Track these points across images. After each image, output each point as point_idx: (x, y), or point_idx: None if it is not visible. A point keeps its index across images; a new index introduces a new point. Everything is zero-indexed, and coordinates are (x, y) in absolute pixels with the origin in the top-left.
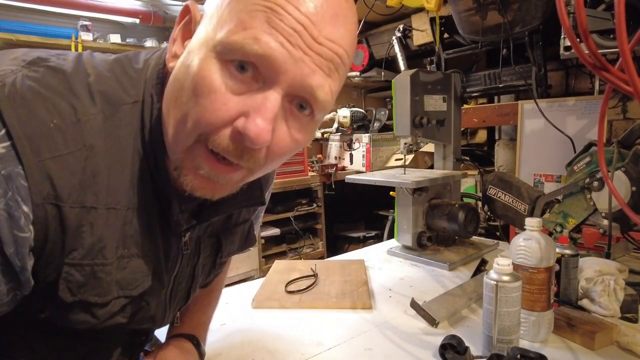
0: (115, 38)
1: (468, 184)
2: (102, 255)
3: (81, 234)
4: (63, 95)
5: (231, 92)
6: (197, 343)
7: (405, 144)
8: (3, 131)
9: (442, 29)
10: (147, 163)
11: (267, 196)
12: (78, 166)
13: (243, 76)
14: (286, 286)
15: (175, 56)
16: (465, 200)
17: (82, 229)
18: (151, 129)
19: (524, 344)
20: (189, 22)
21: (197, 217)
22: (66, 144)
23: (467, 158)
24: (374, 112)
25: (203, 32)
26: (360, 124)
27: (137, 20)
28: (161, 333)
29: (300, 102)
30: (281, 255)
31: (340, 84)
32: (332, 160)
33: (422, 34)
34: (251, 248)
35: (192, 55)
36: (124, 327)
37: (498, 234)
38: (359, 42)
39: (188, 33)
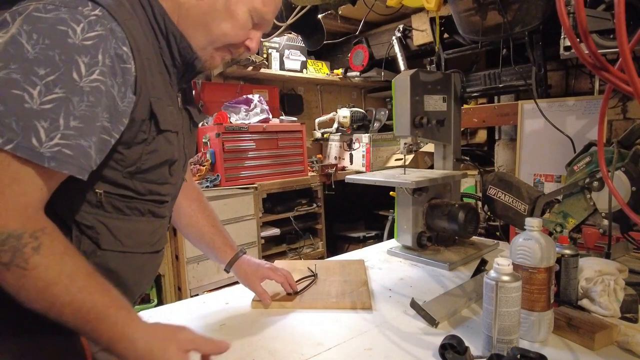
0: None
1: (468, 184)
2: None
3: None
4: None
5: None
6: (245, 252)
7: (405, 144)
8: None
9: (442, 29)
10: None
11: None
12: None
13: (254, 24)
14: None
15: None
16: (465, 200)
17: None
18: (166, 31)
19: (524, 344)
20: None
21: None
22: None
23: (467, 158)
24: (374, 112)
25: None
26: (360, 124)
27: None
28: None
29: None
30: (281, 255)
31: None
32: (332, 160)
33: (422, 34)
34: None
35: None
36: (168, 193)
37: (498, 234)
38: (359, 42)
39: None
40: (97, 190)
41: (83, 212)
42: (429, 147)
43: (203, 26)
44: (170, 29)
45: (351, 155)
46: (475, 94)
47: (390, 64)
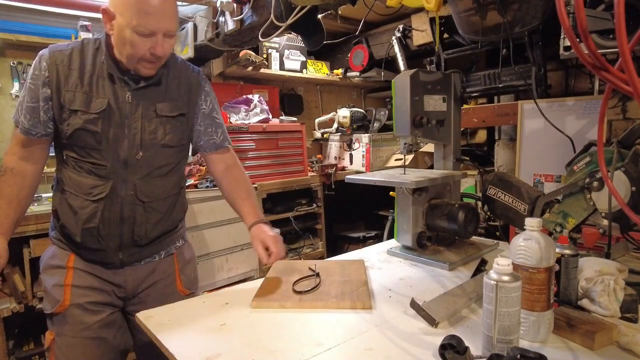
0: None
1: (468, 184)
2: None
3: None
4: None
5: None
6: (268, 222)
7: (405, 144)
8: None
9: (442, 29)
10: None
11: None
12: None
13: (145, 36)
14: (294, 285)
15: (111, 29)
16: (465, 200)
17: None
18: (108, 52)
19: (524, 344)
20: (106, 13)
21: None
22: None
23: (467, 158)
24: (373, 112)
25: (122, 20)
26: (360, 124)
27: None
28: None
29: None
30: None
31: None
32: (332, 161)
33: (422, 34)
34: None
35: (123, 30)
36: (100, 143)
37: (498, 234)
38: (359, 42)
39: (108, 17)
40: (64, 152)
41: (60, 166)
42: (429, 147)
43: (119, 51)
44: (109, 56)
45: (351, 156)
46: (475, 94)
47: (390, 64)
